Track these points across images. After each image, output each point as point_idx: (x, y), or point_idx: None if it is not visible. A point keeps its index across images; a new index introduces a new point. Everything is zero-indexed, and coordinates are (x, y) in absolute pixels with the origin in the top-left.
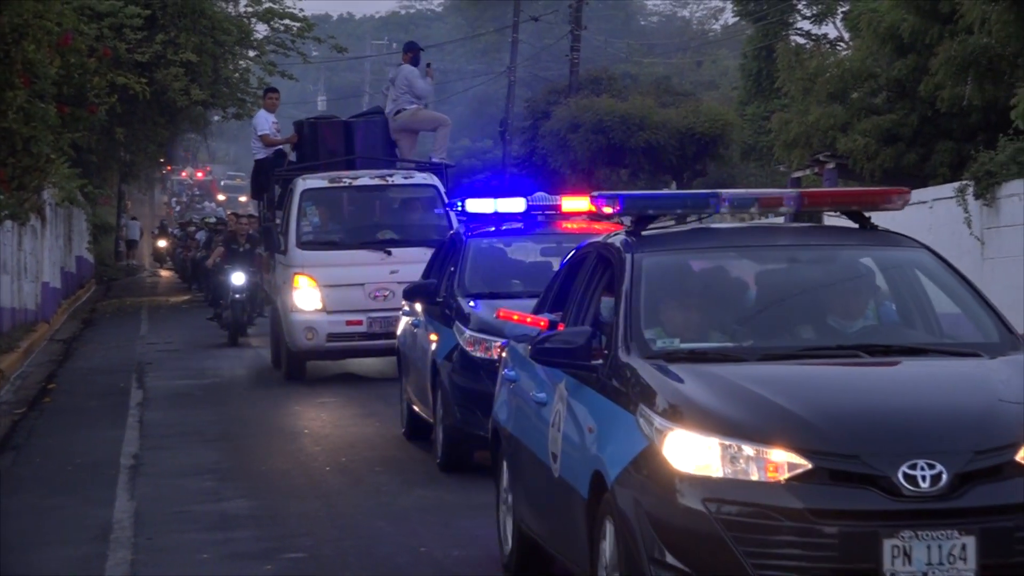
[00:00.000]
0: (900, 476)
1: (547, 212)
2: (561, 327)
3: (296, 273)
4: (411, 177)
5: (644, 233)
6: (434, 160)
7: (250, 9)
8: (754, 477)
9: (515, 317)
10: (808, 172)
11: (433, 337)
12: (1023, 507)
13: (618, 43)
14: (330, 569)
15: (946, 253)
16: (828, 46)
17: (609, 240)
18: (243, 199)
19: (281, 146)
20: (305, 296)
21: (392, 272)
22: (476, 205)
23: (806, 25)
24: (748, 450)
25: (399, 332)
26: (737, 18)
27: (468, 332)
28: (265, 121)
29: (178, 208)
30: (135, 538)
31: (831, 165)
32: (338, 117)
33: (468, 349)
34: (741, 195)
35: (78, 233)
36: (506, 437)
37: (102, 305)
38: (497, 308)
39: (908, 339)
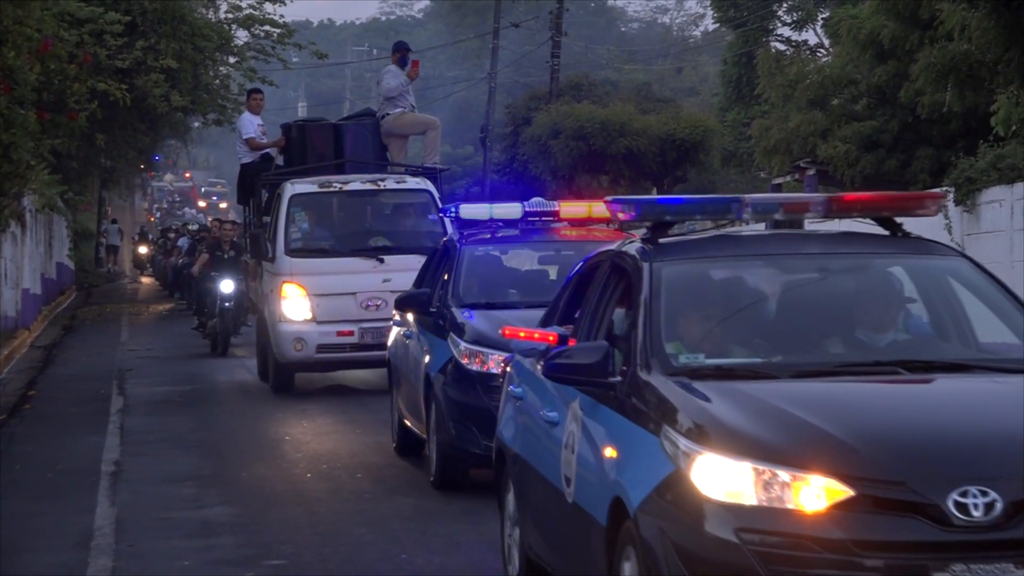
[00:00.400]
0: (950, 504)
1: (544, 218)
2: (572, 342)
3: (284, 281)
4: (404, 182)
5: (661, 241)
6: (426, 164)
7: (230, 15)
8: (791, 505)
9: (521, 334)
10: (789, 178)
11: (426, 349)
12: None
13: (599, 49)
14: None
15: None
16: (808, 52)
17: (623, 248)
18: (224, 205)
19: (268, 150)
20: (294, 305)
21: (385, 280)
22: (470, 211)
23: (786, 31)
24: (784, 476)
25: (390, 343)
26: (717, 24)
27: (463, 344)
28: (250, 124)
29: (159, 214)
30: (116, 545)
31: (812, 171)
32: (327, 120)
33: (463, 362)
34: (765, 200)
35: (58, 239)
36: (512, 458)
37: (83, 312)
38: (491, 318)
39: (949, 354)
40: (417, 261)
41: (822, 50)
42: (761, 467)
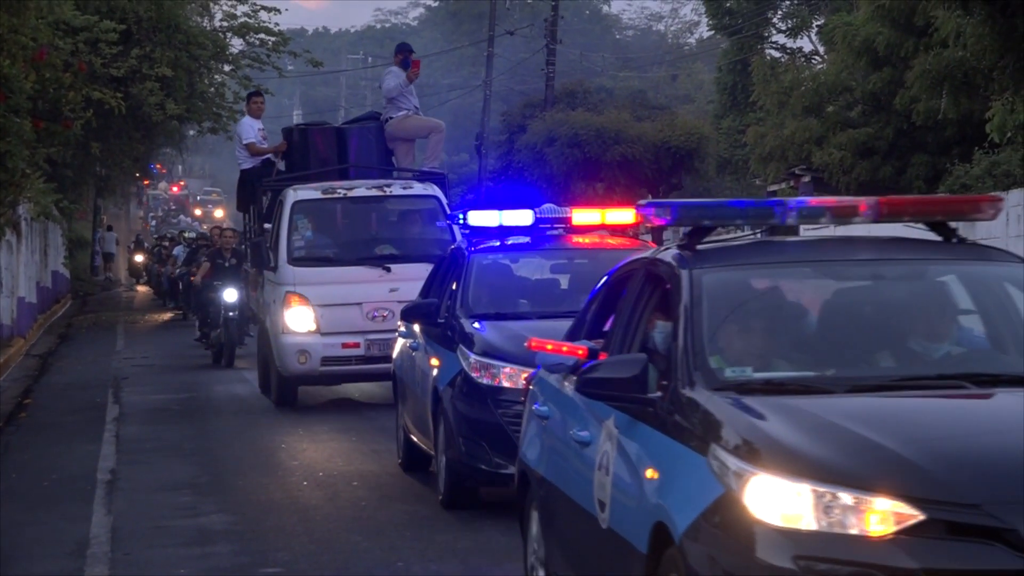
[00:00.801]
0: None
1: (556, 225)
2: (603, 356)
3: (288, 292)
4: (410, 187)
5: (699, 247)
6: (424, 168)
7: (225, 23)
8: (854, 531)
9: (549, 347)
10: (784, 185)
11: (434, 362)
12: None
13: (594, 57)
14: None
15: None
16: (803, 60)
17: (659, 256)
18: (219, 214)
19: (269, 155)
20: (297, 316)
21: (392, 290)
22: (479, 218)
23: (781, 39)
24: (846, 498)
25: (395, 355)
26: (712, 32)
27: (473, 356)
28: (250, 128)
29: (154, 222)
30: (112, 553)
31: (807, 178)
32: (329, 123)
33: (473, 375)
34: (810, 204)
35: (54, 248)
36: (537, 481)
37: (78, 320)
38: (502, 330)
39: (1011, 367)
40: (425, 270)
41: (817, 57)
42: (821, 489)
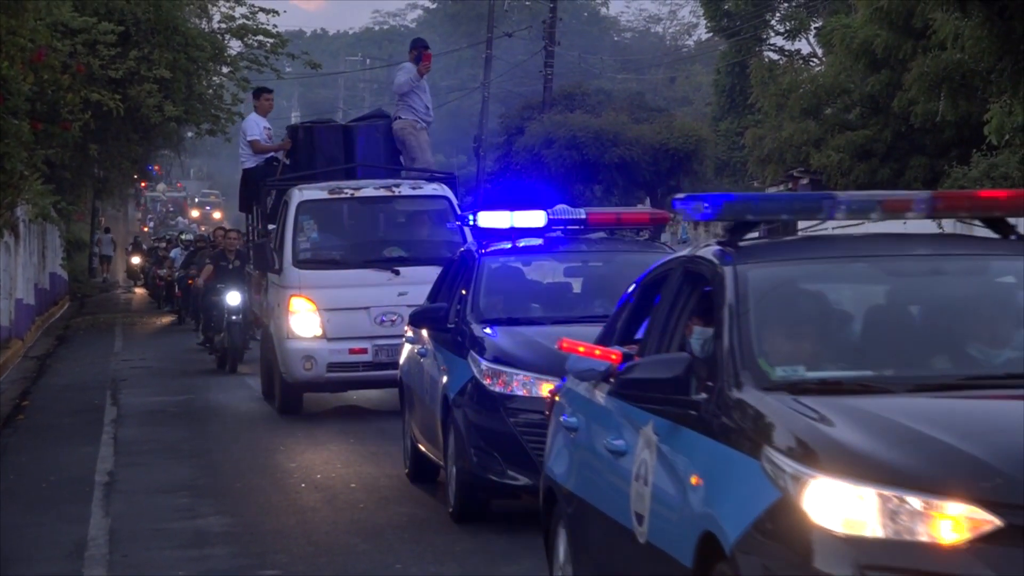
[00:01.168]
0: None
1: (570, 227)
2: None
3: (293, 295)
4: (420, 188)
5: (741, 244)
6: (432, 169)
7: (223, 25)
8: (923, 538)
9: (581, 348)
10: (782, 187)
11: (443, 369)
12: None
13: (592, 59)
14: None
15: None
16: (801, 62)
17: (698, 253)
18: (217, 216)
19: (273, 154)
20: (303, 321)
21: (400, 294)
22: (489, 219)
23: (779, 41)
24: (915, 503)
25: (402, 362)
26: (711, 34)
27: (484, 363)
28: (256, 125)
29: (152, 224)
30: (110, 555)
31: (805, 180)
32: (335, 121)
33: (485, 382)
34: (860, 197)
35: (52, 250)
36: (565, 497)
37: (76, 322)
38: (514, 335)
39: None
40: (435, 273)
41: (815, 59)
42: (887, 492)
